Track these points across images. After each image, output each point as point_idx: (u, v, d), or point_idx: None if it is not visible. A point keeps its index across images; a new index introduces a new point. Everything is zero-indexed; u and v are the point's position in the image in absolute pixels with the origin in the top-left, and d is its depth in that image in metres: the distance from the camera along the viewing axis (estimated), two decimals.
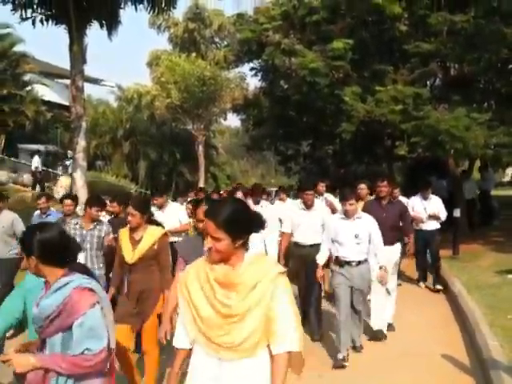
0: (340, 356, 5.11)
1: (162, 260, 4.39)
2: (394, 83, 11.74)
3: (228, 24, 30.48)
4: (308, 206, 6.14)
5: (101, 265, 5.64)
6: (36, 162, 22.88)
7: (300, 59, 12.39)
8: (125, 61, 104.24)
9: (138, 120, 33.79)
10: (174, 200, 10.95)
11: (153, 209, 7.16)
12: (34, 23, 11.61)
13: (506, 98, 11.92)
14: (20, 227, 6.54)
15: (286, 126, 16.22)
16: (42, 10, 11.62)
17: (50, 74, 27.58)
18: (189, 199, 8.90)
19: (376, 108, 11.31)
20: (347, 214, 5.22)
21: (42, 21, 11.65)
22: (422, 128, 10.85)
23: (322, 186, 8.16)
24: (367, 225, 5.25)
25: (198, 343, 2.23)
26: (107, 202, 6.75)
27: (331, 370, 5.10)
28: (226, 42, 32.52)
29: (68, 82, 15.26)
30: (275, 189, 14.39)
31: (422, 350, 5.54)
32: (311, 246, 5.95)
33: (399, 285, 7.33)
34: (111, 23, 12.18)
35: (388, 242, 5.69)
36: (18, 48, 24.80)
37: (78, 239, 5.37)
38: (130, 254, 4.36)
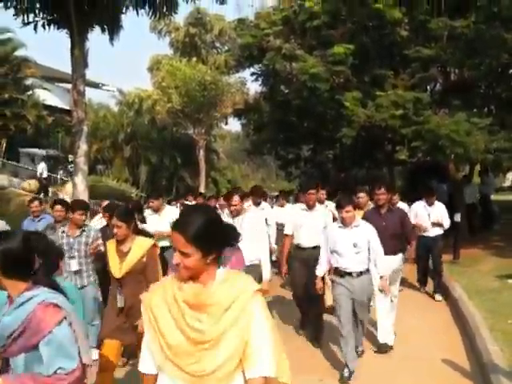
0: (346, 374, 4.91)
1: (149, 275, 4.13)
2: (394, 88, 11.77)
3: (229, 29, 30.58)
4: (310, 206, 6.02)
5: (90, 272, 5.49)
6: (41, 168, 22.94)
7: (301, 64, 12.43)
8: (126, 65, 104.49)
9: (139, 124, 33.86)
10: (169, 203, 10.97)
11: (149, 211, 7.13)
12: (35, 28, 11.63)
13: (507, 102, 11.95)
14: None
15: (286, 130, 16.25)
16: (44, 15, 11.64)
17: (52, 78, 27.64)
18: (186, 203, 8.87)
19: (376, 113, 11.33)
20: (344, 222, 5.05)
21: (43, 25, 11.67)
22: (423, 133, 10.88)
23: (322, 194, 7.90)
24: (366, 233, 5.08)
25: (164, 372, 1.96)
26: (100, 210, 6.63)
27: (332, 374, 5.09)
28: (226, 47, 32.61)
29: (69, 86, 15.30)
30: (276, 194, 14.40)
31: (422, 354, 5.54)
32: (314, 248, 5.76)
33: (400, 290, 7.25)
34: (113, 28, 12.20)
35: (389, 251, 5.53)
36: (19, 52, 24.97)
37: (65, 248, 5.31)
38: (117, 268, 4.16)
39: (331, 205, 7.88)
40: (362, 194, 7.06)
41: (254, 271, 5.05)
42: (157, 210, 7.04)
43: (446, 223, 8.20)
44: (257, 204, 8.22)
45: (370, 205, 6.78)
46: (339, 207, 5.04)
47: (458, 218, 10.00)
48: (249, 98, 24.51)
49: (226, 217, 5.45)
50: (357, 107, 11.65)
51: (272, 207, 9.57)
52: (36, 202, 7.49)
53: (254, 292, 1.97)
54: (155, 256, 4.33)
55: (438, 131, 10.56)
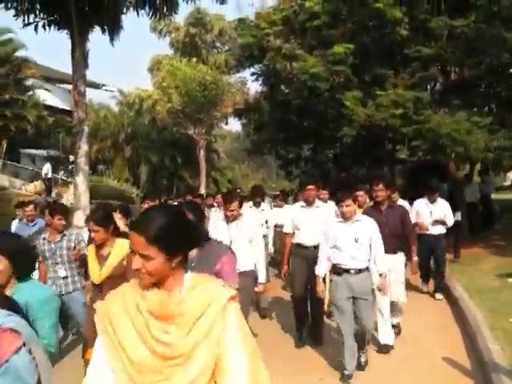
0: (346, 373, 4.89)
1: (130, 280, 3.95)
2: (394, 87, 11.79)
3: (229, 29, 30.60)
4: (309, 202, 5.87)
5: (76, 278, 5.33)
6: (46, 168, 22.97)
7: (301, 64, 12.45)
8: (126, 66, 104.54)
9: (140, 124, 33.88)
10: (166, 203, 10.91)
11: None
12: (36, 28, 11.66)
13: (507, 101, 11.95)
14: None
15: (286, 130, 16.28)
16: (45, 16, 11.66)
17: (52, 78, 27.68)
18: None
19: (377, 112, 11.35)
20: (345, 217, 4.88)
21: (44, 26, 11.69)
22: (423, 132, 10.90)
23: (323, 194, 7.69)
24: (368, 228, 4.91)
25: None
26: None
27: (332, 373, 5.10)
28: (227, 47, 32.63)
29: (70, 86, 15.34)
30: (276, 193, 14.37)
31: (423, 353, 5.55)
32: (316, 247, 5.47)
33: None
34: (113, 28, 12.22)
35: (389, 249, 5.39)
36: (20, 53, 25.01)
37: (47, 254, 5.21)
38: (96, 274, 4.05)
39: (332, 204, 7.53)
40: (360, 193, 6.88)
41: (250, 276, 5.04)
42: None
43: (450, 221, 8.02)
44: (257, 204, 8.00)
45: (370, 204, 6.68)
46: (339, 201, 4.91)
47: (458, 216, 9.98)
48: (249, 98, 24.53)
49: (221, 217, 5.33)
50: (357, 106, 11.67)
51: (271, 208, 9.46)
52: (31, 206, 7.18)
53: (228, 299, 1.75)
54: None
55: (438, 130, 10.57)
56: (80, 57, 11.18)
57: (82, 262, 4.98)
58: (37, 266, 5.13)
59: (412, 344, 5.87)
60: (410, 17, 11.75)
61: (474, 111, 11.59)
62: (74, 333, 6.12)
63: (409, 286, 8.68)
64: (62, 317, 5.11)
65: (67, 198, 19.89)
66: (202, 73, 27.01)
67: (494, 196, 15.04)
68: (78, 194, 11.13)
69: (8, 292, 2.48)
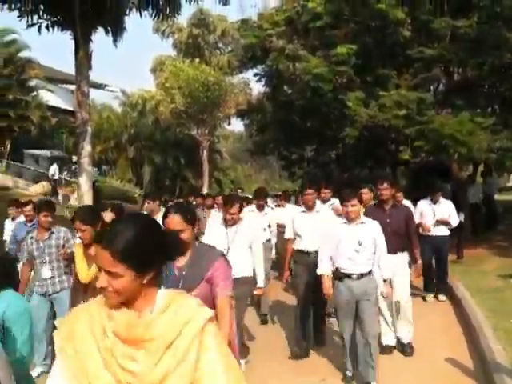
0: (349, 373, 4.86)
1: None
2: (397, 88, 11.78)
3: (232, 30, 30.64)
4: (309, 207, 5.67)
5: (64, 277, 5.16)
6: (53, 169, 23.00)
7: (304, 64, 12.46)
8: (129, 66, 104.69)
9: (143, 125, 33.97)
10: (165, 203, 10.83)
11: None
12: (39, 29, 11.72)
13: (510, 102, 11.96)
14: None
15: (289, 130, 16.28)
16: (48, 17, 11.73)
17: (55, 79, 27.76)
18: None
19: (379, 113, 11.34)
20: (349, 218, 4.60)
21: (47, 27, 11.76)
22: (426, 132, 10.90)
23: (325, 193, 7.41)
24: (372, 230, 4.68)
25: None
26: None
27: (334, 374, 5.10)
28: (229, 48, 32.67)
29: (73, 87, 15.37)
30: (278, 193, 14.35)
31: (425, 353, 5.55)
32: (317, 252, 5.19)
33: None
34: (116, 29, 12.27)
35: (391, 249, 5.08)
36: (23, 54, 25.16)
37: (35, 253, 5.09)
38: (84, 273, 3.99)
39: (337, 202, 7.13)
40: (365, 190, 6.55)
41: (248, 283, 4.92)
42: (151, 213, 6.21)
43: (454, 221, 7.89)
44: (260, 208, 7.74)
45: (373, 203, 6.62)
46: (343, 201, 4.63)
47: (461, 217, 9.98)
48: (252, 99, 24.59)
49: (220, 220, 5.10)
50: (360, 107, 11.66)
51: (273, 208, 9.42)
52: (29, 206, 6.98)
53: (206, 321, 1.54)
54: None
55: (441, 131, 10.56)
56: (83, 58, 11.23)
57: (70, 261, 4.85)
58: (20, 266, 5.09)
59: (415, 344, 5.86)
60: (412, 17, 11.75)
61: (477, 112, 11.58)
62: None
63: (411, 287, 8.71)
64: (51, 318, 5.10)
65: (74, 199, 19.90)
66: (204, 73, 27.10)
67: (497, 197, 15.03)
68: (81, 194, 11.19)
69: None
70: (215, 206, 10.55)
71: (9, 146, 25.76)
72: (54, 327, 1.60)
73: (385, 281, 4.79)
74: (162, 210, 6.89)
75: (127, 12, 12.21)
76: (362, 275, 4.61)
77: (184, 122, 29.47)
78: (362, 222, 4.69)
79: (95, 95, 55.90)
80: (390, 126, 11.37)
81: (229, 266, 3.13)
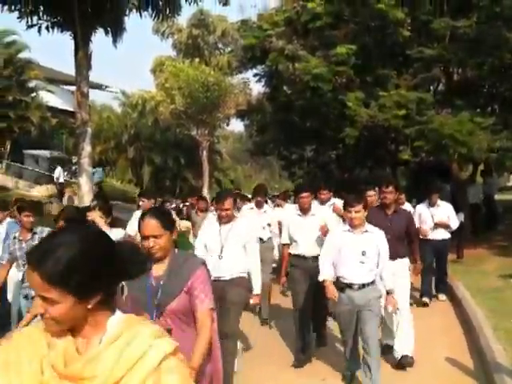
0: (348, 373, 4.82)
1: None
2: (397, 88, 11.78)
3: (232, 30, 30.67)
4: (304, 210, 5.48)
5: None
6: (58, 172, 22.93)
7: (303, 65, 12.44)
8: (129, 67, 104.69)
9: (143, 125, 33.98)
10: (163, 204, 10.82)
11: (138, 213, 6.15)
12: (39, 30, 11.74)
13: (510, 102, 11.97)
14: None
15: (289, 131, 16.27)
16: (48, 18, 11.75)
17: (55, 80, 27.78)
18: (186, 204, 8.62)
19: (379, 113, 11.35)
20: (353, 225, 4.39)
21: (47, 28, 11.78)
22: (426, 132, 10.90)
23: (323, 194, 7.07)
24: (377, 240, 4.45)
25: None
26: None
27: (334, 374, 5.10)
28: (229, 48, 32.70)
29: (73, 88, 15.40)
30: (276, 193, 14.33)
31: (425, 353, 5.54)
32: (315, 257, 5.03)
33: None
34: (116, 30, 12.30)
35: (392, 255, 4.82)
36: (23, 55, 25.17)
37: (18, 253, 4.99)
38: None
39: (338, 201, 6.95)
40: (371, 193, 6.43)
41: (240, 286, 4.63)
42: None
43: (454, 224, 7.76)
44: (259, 205, 7.38)
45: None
46: (347, 206, 4.41)
47: (461, 217, 9.97)
48: (252, 99, 24.57)
49: (215, 222, 4.83)
50: (359, 107, 11.66)
51: (273, 208, 9.36)
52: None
53: (164, 355, 1.25)
54: None
55: (441, 131, 10.57)
56: (83, 58, 11.25)
57: None
58: None
59: (415, 344, 5.86)
60: (412, 18, 11.75)
61: (477, 112, 11.60)
62: None
63: (411, 288, 8.70)
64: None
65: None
66: (204, 74, 27.08)
67: (497, 197, 15.03)
68: (81, 194, 11.20)
69: None
70: (212, 208, 10.45)
71: (9, 147, 25.77)
72: None
73: (388, 293, 4.58)
74: None
75: (127, 12, 12.24)
76: (363, 285, 4.44)
77: (184, 122, 29.46)
78: (366, 231, 4.48)
79: (95, 96, 55.94)
80: (390, 126, 11.38)
81: (209, 276, 2.92)
